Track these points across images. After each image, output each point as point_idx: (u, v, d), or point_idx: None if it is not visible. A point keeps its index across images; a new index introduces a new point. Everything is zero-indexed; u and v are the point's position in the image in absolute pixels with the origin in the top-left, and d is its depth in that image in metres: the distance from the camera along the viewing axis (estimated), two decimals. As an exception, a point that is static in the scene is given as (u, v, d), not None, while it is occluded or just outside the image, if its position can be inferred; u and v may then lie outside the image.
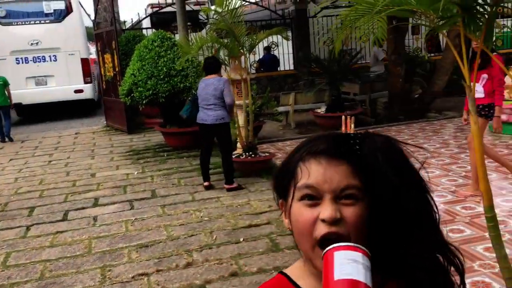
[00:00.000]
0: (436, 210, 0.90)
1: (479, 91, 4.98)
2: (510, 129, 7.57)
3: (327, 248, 0.82)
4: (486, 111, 5.01)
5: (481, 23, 1.99)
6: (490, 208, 2.07)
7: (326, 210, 0.85)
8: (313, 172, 0.87)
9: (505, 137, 7.42)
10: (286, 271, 0.97)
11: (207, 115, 5.83)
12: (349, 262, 0.79)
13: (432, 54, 13.16)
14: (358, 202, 0.86)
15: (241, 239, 4.44)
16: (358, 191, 0.86)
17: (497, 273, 2.71)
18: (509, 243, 3.63)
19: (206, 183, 6.11)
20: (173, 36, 8.97)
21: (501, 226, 2.52)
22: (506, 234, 3.90)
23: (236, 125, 6.76)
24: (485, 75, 4.96)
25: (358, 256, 0.80)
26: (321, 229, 0.85)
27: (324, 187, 0.86)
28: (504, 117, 7.64)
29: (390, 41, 9.73)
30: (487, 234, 3.94)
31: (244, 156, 6.60)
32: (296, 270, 0.96)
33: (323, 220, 0.85)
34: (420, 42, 13.71)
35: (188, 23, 10.61)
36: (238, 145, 6.90)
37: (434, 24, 2.14)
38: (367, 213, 0.86)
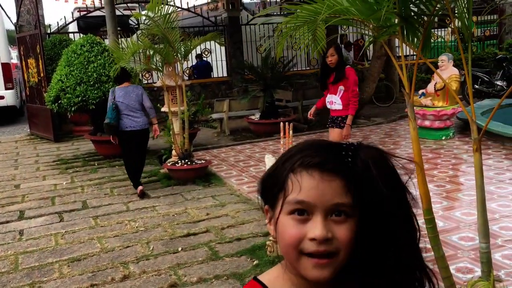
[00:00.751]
0: (418, 227, 0.90)
1: (337, 103, 5.37)
2: (433, 134, 8.02)
3: None
4: (344, 122, 5.38)
5: (419, 33, 2.07)
6: (428, 210, 2.15)
7: (316, 229, 0.82)
8: (304, 187, 0.84)
9: (429, 142, 7.84)
10: (262, 279, 0.93)
11: (135, 122, 5.97)
12: None
13: (360, 63, 13.67)
14: (348, 218, 0.84)
15: (180, 249, 4.34)
16: (349, 208, 0.84)
17: (435, 270, 2.85)
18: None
19: (140, 188, 5.99)
20: (102, 41, 8.67)
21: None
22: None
23: (171, 132, 6.64)
24: (341, 87, 5.31)
25: None
26: (309, 247, 0.83)
27: (315, 203, 0.83)
28: (427, 122, 8.10)
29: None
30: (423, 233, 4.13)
31: (180, 163, 6.48)
32: (275, 280, 0.92)
33: (312, 239, 0.82)
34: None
35: (118, 28, 10.31)
36: (174, 152, 6.77)
37: (374, 33, 2.20)
38: (356, 229, 0.84)
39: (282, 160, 0.90)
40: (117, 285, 3.76)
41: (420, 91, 8.34)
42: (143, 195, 5.95)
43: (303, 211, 0.83)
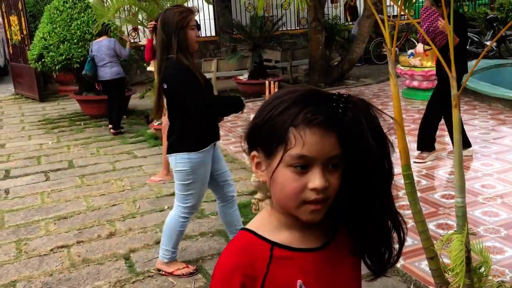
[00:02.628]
0: (393, 175, 0.96)
1: None
2: (421, 95, 8.03)
3: None
4: None
5: (401, -14, 2.03)
6: (407, 166, 2.17)
7: (317, 179, 0.88)
8: (308, 142, 0.87)
9: (417, 103, 7.86)
10: (249, 226, 0.98)
11: (105, 73, 6.87)
12: None
13: (351, 23, 13.51)
14: (339, 168, 0.91)
15: (166, 207, 4.38)
16: (339, 159, 0.90)
17: (411, 228, 2.90)
18: (420, 200, 3.88)
19: (112, 130, 7.02)
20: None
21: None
22: (418, 192, 4.16)
23: (157, 91, 6.57)
24: None
25: None
26: (310, 195, 0.89)
27: (316, 156, 0.88)
28: (415, 83, 8.10)
29: (310, 8, 9.83)
30: (400, 193, 4.19)
31: (166, 123, 6.45)
32: (262, 225, 0.98)
33: (313, 189, 0.88)
34: (339, 10, 14.01)
35: (103, -16, 10.03)
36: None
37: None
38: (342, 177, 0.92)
39: (277, 110, 0.91)
40: (103, 241, 3.80)
41: (409, 51, 8.30)
42: (115, 133, 7.00)
43: (303, 165, 0.89)
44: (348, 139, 0.88)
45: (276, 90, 4.65)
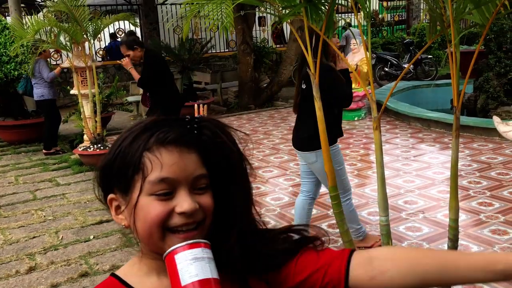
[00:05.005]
0: (251, 194, 0.93)
1: None
2: (346, 115, 8.28)
3: (167, 252, 0.80)
4: None
5: (322, 14, 2.09)
6: (333, 188, 2.21)
7: (185, 203, 0.81)
8: (166, 163, 0.81)
9: (342, 123, 8.11)
10: (117, 273, 0.91)
11: (34, 93, 6.90)
12: (192, 262, 0.78)
13: (278, 46, 13.85)
14: (208, 189, 0.85)
15: (91, 237, 4.17)
16: (206, 179, 0.85)
17: (340, 246, 2.96)
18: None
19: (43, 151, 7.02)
20: (3, 18, 8.03)
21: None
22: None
23: (82, 116, 6.33)
24: None
25: (198, 252, 0.79)
26: (177, 221, 0.82)
27: (179, 178, 0.82)
28: (352, 105, 8.37)
29: (238, 31, 9.98)
30: (330, 212, 4.28)
31: (92, 148, 6.21)
32: (131, 270, 0.90)
33: (181, 213, 0.81)
34: (267, 33, 14.33)
35: (22, 5, 9.62)
36: (85, 137, 6.47)
37: (280, 14, 2.20)
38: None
39: (127, 141, 0.85)
40: (23, 277, 3.55)
41: (334, 73, 8.59)
42: (46, 154, 6.96)
43: (168, 192, 0.82)
44: (211, 158, 0.85)
45: (205, 113, 4.65)
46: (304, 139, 3.36)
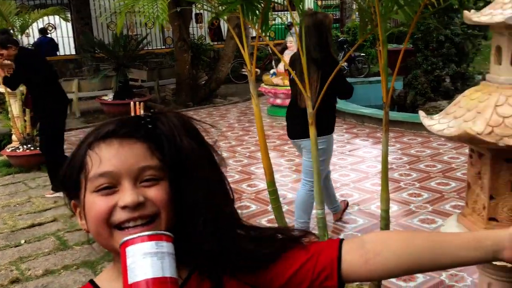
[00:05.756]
0: (229, 186, 0.90)
1: None
2: (284, 112, 8.44)
3: (122, 241, 0.74)
4: None
5: (258, 12, 2.12)
6: (271, 182, 2.25)
7: (126, 195, 0.78)
8: (105, 157, 0.79)
9: (281, 119, 8.24)
10: (96, 278, 0.88)
11: None
12: (141, 258, 0.72)
13: (215, 43, 13.80)
14: (159, 181, 0.81)
15: (22, 241, 3.98)
16: (158, 171, 0.81)
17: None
18: (288, 213, 4.05)
19: None
20: None
21: (281, 199, 2.79)
22: (285, 205, 4.35)
23: (9, 115, 6.01)
24: None
25: (151, 246, 0.72)
26: (121, 216, 0.78)
27: (120, 171, 0.78)
28: (279, 101, 8.51)
29: (175, 28, 9.85)
30: (269, 208, 4.34)
31: (21, 149, 5.92)
32: (105, 275, 0.88)
33: (123, 207, 0.78)
34: (204, 30, 14.24)
35: None
36: (14, 137, 6.16)
37: (216, 10, 2.20)
38: (172, 191, 0.82)
39: (77, 146, 0.84)
40: None
41: (272, 71, 8.71)
42: None
43: (110, 186, 0.79)
44: (166, 150, 0.81)
45: (142, 111, 4.56)
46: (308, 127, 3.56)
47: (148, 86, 10.63)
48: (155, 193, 0.80)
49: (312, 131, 2.14)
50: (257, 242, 0.87)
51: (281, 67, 8.59)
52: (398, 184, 4.91)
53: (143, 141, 0.81)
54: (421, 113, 1.68)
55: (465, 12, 1.52)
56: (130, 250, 0.72)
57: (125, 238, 0.74)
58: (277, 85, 8.40)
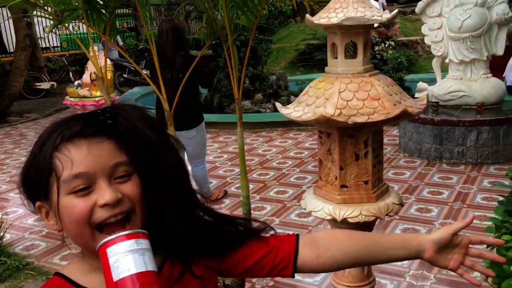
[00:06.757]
0: (185, 171, 0.95)
1: None
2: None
3: (98, 245, 0.77)
4: None
5: (105, 17, 2.11)
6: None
7: (105, 194, 0.79)
8: (76, 159, 0.79)
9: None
10: (63, 271, 0.87)
11: None
12: (123, 256, 0.75)
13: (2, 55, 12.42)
14: (131, 176, 0.84)
15: None
16: (128, 166, 0.83)
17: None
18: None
19: None
20: None
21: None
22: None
23: None
24: None
25: (131, 244, 0.76)
26: (102, 214, 0.80)
27: (94, 171, 0.79)
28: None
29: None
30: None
31: None
32: (75, 269, 0.87)
33: (103, 205, 0.79)
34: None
35: None
36: None
37: (57, 17, 2.13)
38: (140, 185, 0.85)
39: (38, 147, 0.83)
40: None
41: (76, 82, 8.30)
42: None
43: (85, 187, 0.80)
44: (129, 144, 0.83)
45: None
46: (189, 119, 4.09)
47: None
48: (129, 188, 0.82)
49: (171, 129, 2.23)
50: (222, 226, 0.96)
51: (86, 77, 8.22)
52: (225, 180, 5.24)
53: (109, 138, 0.82)
54: (277, 104, 1.92)
55: (307, 16, 1.81)
56: (112, 250, 0.76)
57: (104, 240, 0.77)
58: (84, 96, 8.02)
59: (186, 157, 4.28)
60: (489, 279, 1.08)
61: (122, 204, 0.81)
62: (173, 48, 3.81)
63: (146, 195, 0.85)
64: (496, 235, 1.18)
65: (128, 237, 0.77)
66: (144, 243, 0.78)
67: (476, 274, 1.84)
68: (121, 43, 13.21)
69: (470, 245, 1.02)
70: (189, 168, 4.36)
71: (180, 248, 0.89)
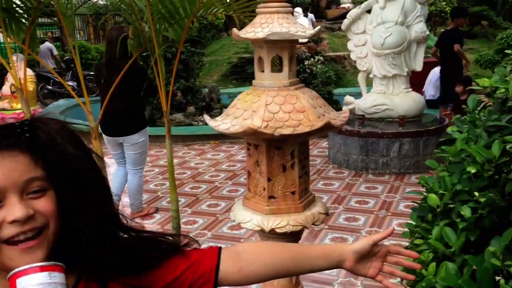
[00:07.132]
0: (106, 186, 0.93)
1: None
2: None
3: (9, 274, 0.73)
4: None
5: (24, 26, 2.03)
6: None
7: (15, 210, 0.76)
8: None
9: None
10: None
11: None
12: None
13: None
14: (46, 192, 0.81)
15: None
16: (44, 182, 0.80)
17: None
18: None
19: None
20: None
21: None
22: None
23: None
24: None
25: (43, 277, 0.73)
26: (10, 231, 0.76)
27: (4, 185, 0.76)
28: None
29: None
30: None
31: None
32: None
33: (12, 222, 0.76)
34: None
35: None
36: None
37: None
38: (56, 201, 0.82)
39: None
40: None
41: (-7, 94, 7.85)
42: None
43: None
44: (47, 159, 0.80)
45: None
46: (134, 124, 4.09)
47: None
48: (43, 205, 0.79)
49: (95, 143, 2.18)
50: (142, 244, 0.93)
51: (5, 89, 7.80)
52: (156, 194, 5.14)
53: (25, 152, 0.79)
54: (206, 117, 1.93)
55: (234, 30, 1.83)
56: (22, 281, 0.72)
57: (16, 270, 0.73)
58: (3, 109, 7.60)
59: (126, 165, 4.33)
60: (404, 282, 1.14)
61: (34, 221, 0.78)
62: (121, 56, 3.78)
63: (64, 211, 0.82)
64: (410, 239, 1.25)
65: (42, 269, 0.73)
66: (59, 276, 0.75)
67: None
68: (56, 52, 12.70)
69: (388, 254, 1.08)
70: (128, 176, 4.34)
71: (100, 264, 0.86)
